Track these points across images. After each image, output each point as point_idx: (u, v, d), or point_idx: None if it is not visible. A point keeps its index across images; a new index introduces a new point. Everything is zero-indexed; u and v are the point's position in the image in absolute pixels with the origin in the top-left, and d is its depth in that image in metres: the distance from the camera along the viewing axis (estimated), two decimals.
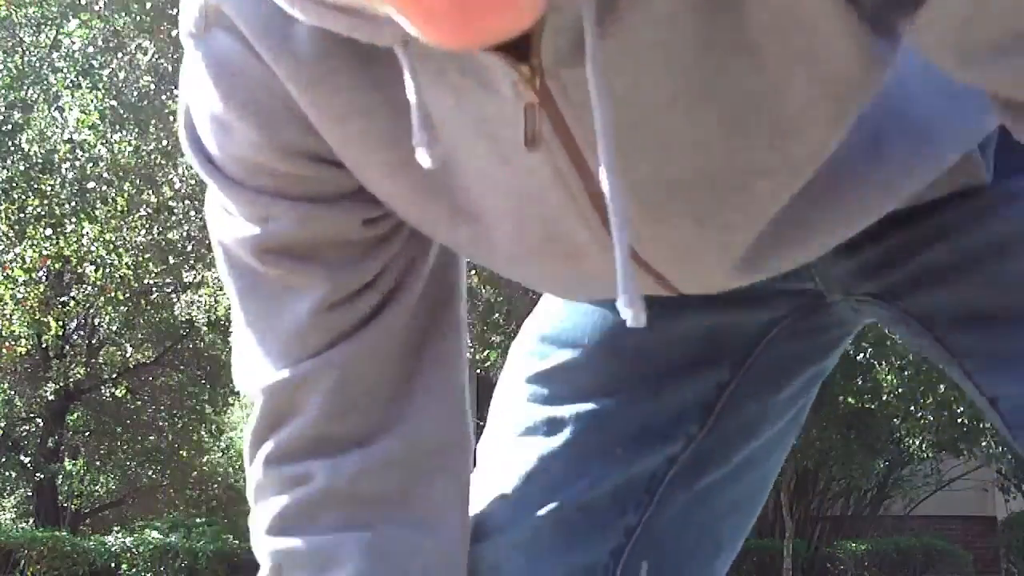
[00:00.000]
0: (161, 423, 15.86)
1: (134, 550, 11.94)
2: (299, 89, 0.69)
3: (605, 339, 0.96)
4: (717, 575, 1.00)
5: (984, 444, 10.96)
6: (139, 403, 15.62)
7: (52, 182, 10.39)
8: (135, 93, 9.94)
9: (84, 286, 11.94)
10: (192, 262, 10.69)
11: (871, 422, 11.28)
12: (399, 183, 0.72)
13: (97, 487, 15.73)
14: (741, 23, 0.59)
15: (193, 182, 9.76)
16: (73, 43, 10.22)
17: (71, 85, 10.16)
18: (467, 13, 0.50)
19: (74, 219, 10.47)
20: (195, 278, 10.93)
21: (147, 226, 10.56)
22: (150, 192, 10.28)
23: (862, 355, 10.39)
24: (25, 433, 15.21)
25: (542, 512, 0.92)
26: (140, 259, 10.67)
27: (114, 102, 9.78)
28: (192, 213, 10.32)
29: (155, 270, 10.95)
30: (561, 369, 0.97)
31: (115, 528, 13.81)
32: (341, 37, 0.61)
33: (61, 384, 13.53)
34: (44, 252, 10.65)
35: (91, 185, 10.29)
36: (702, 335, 0.96)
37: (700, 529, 0.98)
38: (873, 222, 0.79)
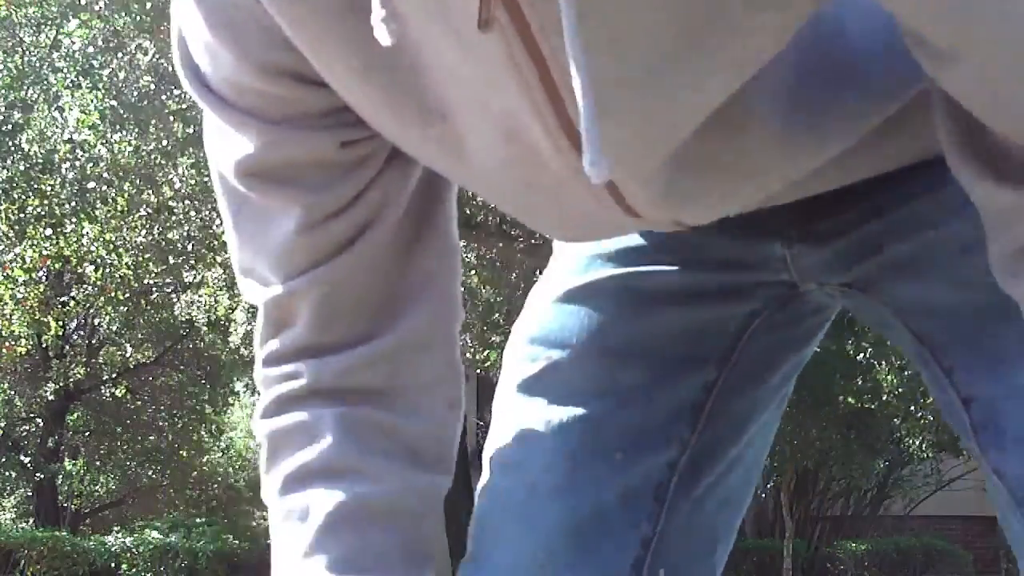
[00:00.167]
0: (161, 423, 15.87)
1: (134, 550, 11.96)
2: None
3: (593, 338, 0.97)
4: (716, 570, 1.02)
5: None
6: (139, 403, 15.64)
7: (52, 182, 10.38)
8: (135, 93, 9.92)
9: (84, 286, 11.95)
10: (192, 262, 10.68)
11: (871, 422, 11.29)
12: (369, 87, 0.73)
13: (97, 487, 15.75)
14: None
15: (193, 182, 9.75)
16: (73, 43, 10.20)
17: (71, 85, 10.14)
18: None
19: (74, 219, 10.46)
20: (195, 278, 10.92)
21: (147, 226, 10.55)
22: (150, 192, 10.26)
23: (862, 355, 10.40)
24: (25, 433, 15.23)
25: (552, 523, 0.94)
26: (140, 259, 10.67)
27: (114, 102, 9.76)
28: (192, 213, 10.30)
29: (155, 270, 10.94)
30: (552, 369, 0.98)
31: (115, 528, 13.84)
32: None
33: (61, 384, 13.55)
34: (44, 252, 10.64)
35: (91, 185, 10.28)
36: (686, 331, 0.97)
37: (699, 530, 0.99)
38: (811, 170, 0.80)
